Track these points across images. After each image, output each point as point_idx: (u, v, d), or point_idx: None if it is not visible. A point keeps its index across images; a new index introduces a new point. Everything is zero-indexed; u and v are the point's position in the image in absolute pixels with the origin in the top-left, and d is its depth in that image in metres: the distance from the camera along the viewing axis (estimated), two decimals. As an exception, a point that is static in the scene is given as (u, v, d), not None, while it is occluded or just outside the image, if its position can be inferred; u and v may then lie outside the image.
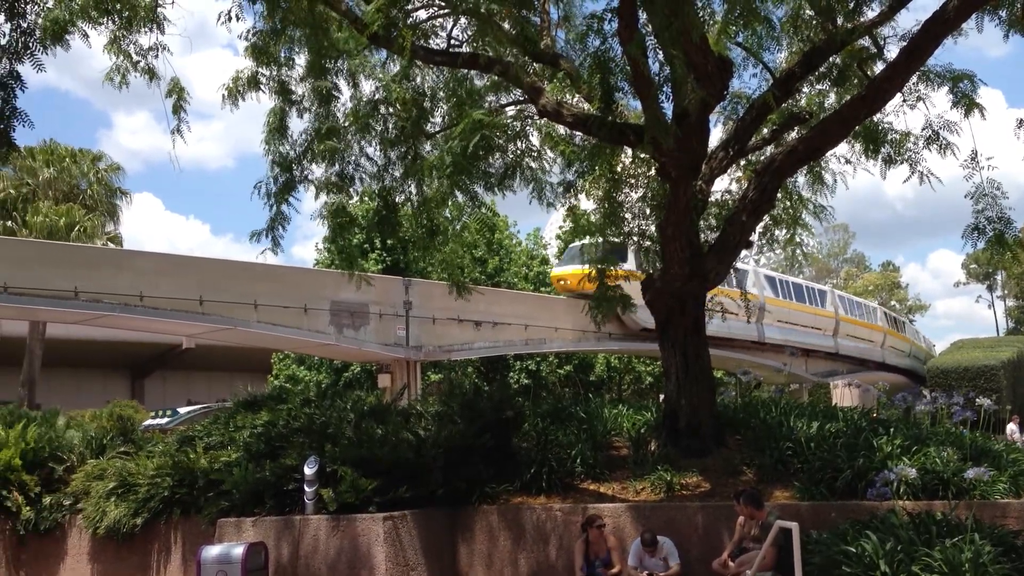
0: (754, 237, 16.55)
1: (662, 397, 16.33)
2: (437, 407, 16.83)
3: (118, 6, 11.82)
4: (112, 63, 12.72)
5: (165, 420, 33.93)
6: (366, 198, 15.71)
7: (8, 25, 11.28)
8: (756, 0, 10.06)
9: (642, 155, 14.84)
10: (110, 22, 12.24)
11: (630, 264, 20.46)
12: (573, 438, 14.90)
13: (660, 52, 12.32)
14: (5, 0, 11.15)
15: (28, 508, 17.43)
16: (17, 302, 26.03)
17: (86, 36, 11.97)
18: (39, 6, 11.60)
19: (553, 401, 17.94)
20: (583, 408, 16.79)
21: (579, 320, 35.54)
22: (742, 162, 16.77)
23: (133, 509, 15.81)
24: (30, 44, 11.36)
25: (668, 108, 13.13)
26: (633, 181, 16.17)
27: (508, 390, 28.73)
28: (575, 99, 13.74)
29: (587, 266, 16.51)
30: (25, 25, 11.33)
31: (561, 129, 14.92)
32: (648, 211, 16.05)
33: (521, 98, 14.82)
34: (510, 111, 15.18)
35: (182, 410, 36.74)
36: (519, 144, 14.24)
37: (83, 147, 51.79)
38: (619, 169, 15.54)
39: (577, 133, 14.79)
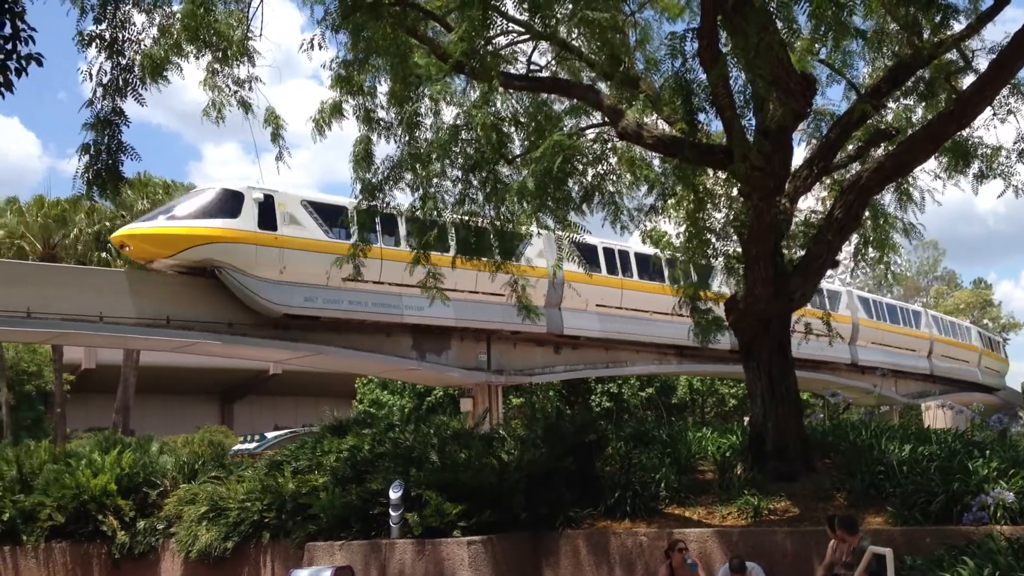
0: (840, 256, 16.24)
1: (747, 420, 16.08)
2: (520, 431, 16.86)
3: (213, 38, 12.24)
4: (209, 98, 13.27)
5: (253, 445, 34.53)
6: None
7: (109, 63, 11.80)
8: (843, 14, 9.89)
9: (725, 175, 14.72)
10: (205, 57, 12.72)
11: None
12: (657, 462, 14.74)
13: (741, 69, 12.22)
14: (105, 40, 11.63)
15: (123, 532, 17.91)
16: (111, 331, 26.80)
17: (180, 69, 12.47)
18: (138, 44, 12.10)
19: (636, 424, 17.80)
20: (666, 431, 16.62)
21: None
22: (827, 180, 16.49)
23: (224, 533, 16.12)
24: (130, 80, 11.85)
25: (751, 126, 13.02)
26: (716, 201, 16.03)
27: (590, 413, 28.64)
28: (655, 121, 13.71)
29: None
30: (124, 62, 11.82)
31: (639, 151, 14.91)
32: (731, 232, 15.89)
33: (601, 121, 14.84)
34: (590, 134, 15.22)
35: (270, 435, 37.36)
36: (599, 167, 14.27)
37: (175, 179, 53.40)
38: (702, 190, 15.43)
39: (656, 155, 14.73)
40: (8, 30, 7.42)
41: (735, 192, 15.24)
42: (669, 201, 15.59)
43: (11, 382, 44.36)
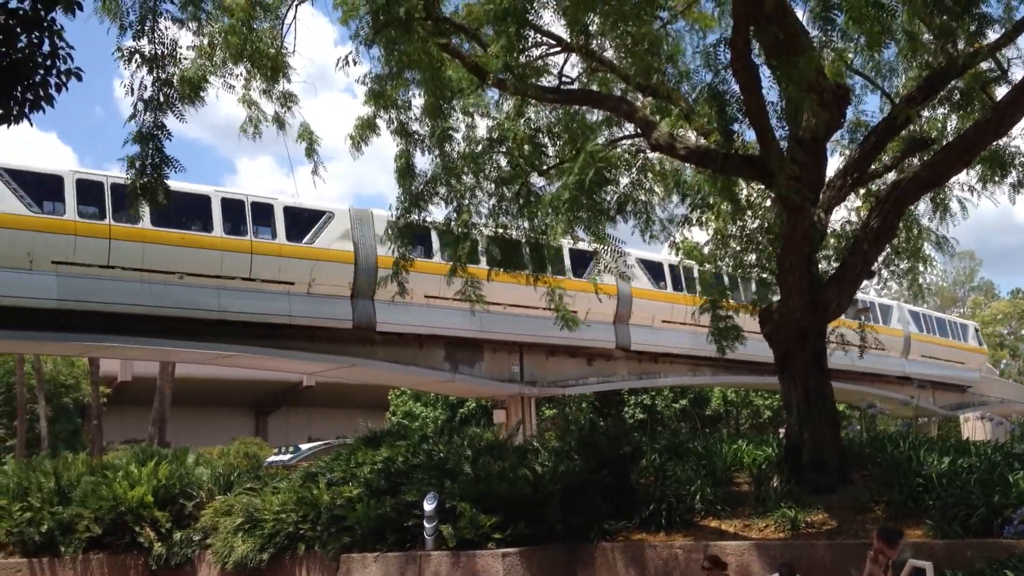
0: (875, 267, 16.11)
1: (782, 432, 15.94)
2: (554, 442, 16.82)
3: (254, 55, 12.42)
4: (246, 115, 13.47)
5: (288, 456, 34.73)
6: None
7: (150, 78, 12.01)
8: (885, 16, 9.85)
9: (759, 185, 14.67)
10: (242, 73, 12.91)
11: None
12: (692, 474, 14.65)
13: (775, 80, 12.19)
14: (145, 56, 11.84)
15: (160, 544, 18.05)
16: (146, 342, 27.10)
17: (231, 87, 12.68)
18: (177, 60, 12.30)
19: (670, 436, 17.71)
20: (701, 443, 16.52)
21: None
22: (861, 191, 16.36)
23: (260, 544, 16.20)
24: (170, 95, 12.06)
25: (784, 136, 12.97)
26: (750, 212, 15.98)
27: (624, 425, 28.54)
28: (687, 132, 13.70)
29: None
30: (165, 77, 12.02)
31: (670, 163, 14.91)
32: (765, 242, 15.82)
33: (633, 133, 14.85)
34: (623, 145, 15.23)
35: (304, 446, 37.57)
36: (631, 177, 14.28)
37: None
38: (738, 200, 15.40)
39: (688, 166, 14.72)
40: (47, 47, 7.56)
41: (768, 203, 15.18)
42: (704, 213, 15.55)
43: (49, 395, 44.93)
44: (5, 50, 7.34)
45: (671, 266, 35.90)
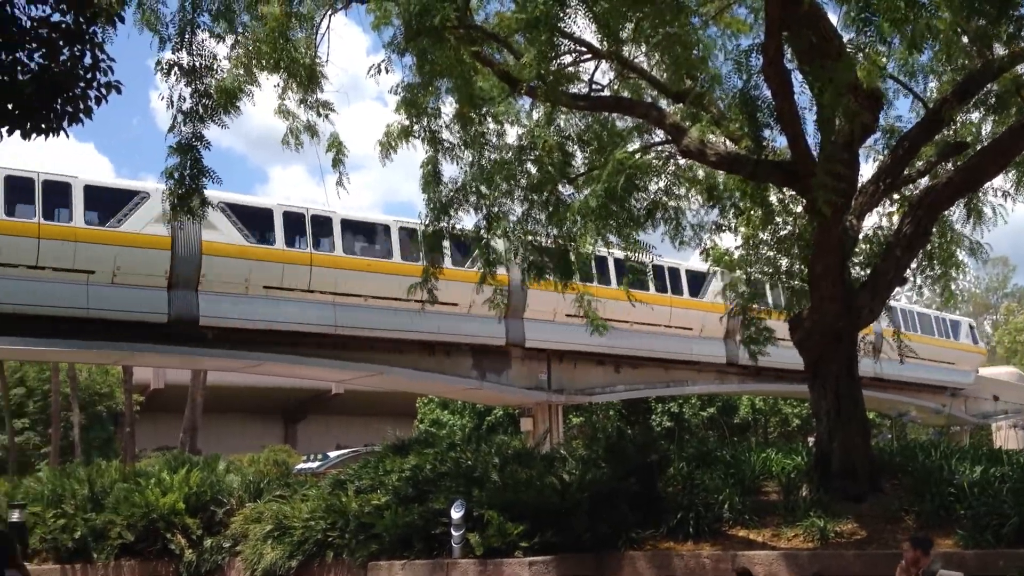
0: (908, 273, 16.01)
1: (811, 440, 15.85)
2: (581, 450, 16.81)
3: (289, 64, 12.58)
4: (286, 126, 13.68)
5: (316, 464, 34.80)
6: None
7: (188, 89, 12.20)
8: (923, 14, 9.80)
9: (790, 191, 14.63)
10: (277, 83, 13.09)
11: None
12: (720, 483, 14.60)
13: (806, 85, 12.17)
14: (183, 68, 12.03)
15: (190, 550, 18.19)
16: (179, 351, 27.35)
17: (252, 95, 12.86)
18: (214, 72, 12.50)
19: (698, 444, 17.66)
20: (729, 451, 16.46)
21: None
22: (894, 196, 16.26)
23: (289, 551, 16.28)
24: (208, 106, 12.26)
25: (816, 142, 12.94)
26: (780, 218, 15.94)
27: (651, 433, 28.48)
28: (718, 138, 13.70)
29: None
30: (203, 88, 12.20)
31: (701, 169, 14.90)
32: (796, 248, 15.79)
33: (663, 139, 14.87)
34: (653, 152, 15.26)
35: (332, 454, 37.64)
36: (661, 184, 14.31)
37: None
38: (770, 206, 15.37)
39: (720, 172, 14.72)
40: (88, 60, 7.70)
41: (799, 208, 15.13)
42: (734, 218, 15.54)
43: (83, 403, 45.39)
44: (47, 63, 7.49)
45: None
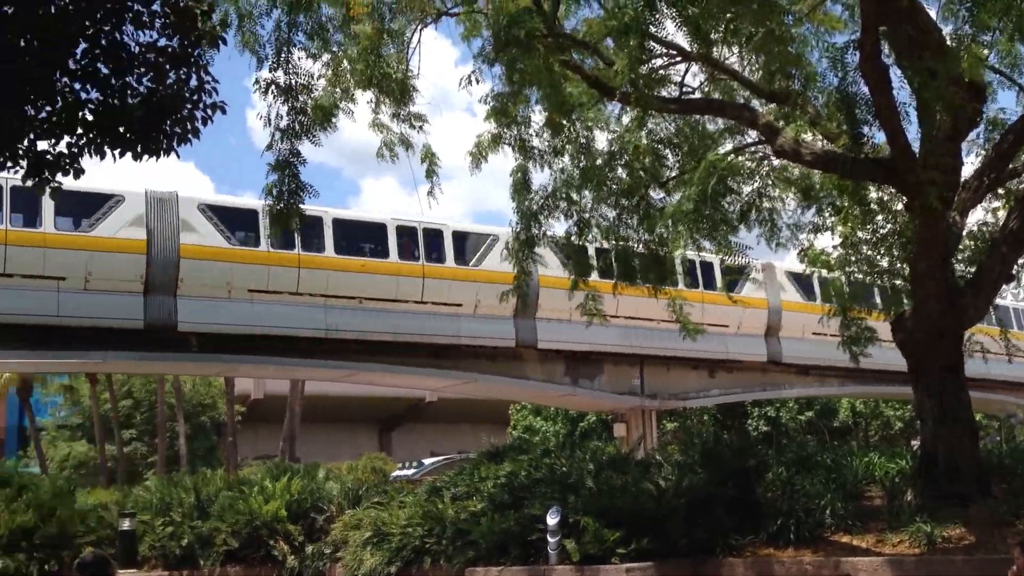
0: (1015, 270, 15.52)
1: (915, 443, 15.47)
2: (677, 456, 16.69)
3: (382, 81, 12.86)
4: (380, 140, 14.02)
5: (412, 471, 35.23)
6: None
7: (284, 107, 12.57)
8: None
9: (890, 189, 14.34)
10: (370, 99, 13.39)
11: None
12: (821, 487, 14.31)
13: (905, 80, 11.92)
14: (280, 86, 12.40)
15: (293, 556, 18.57)
16: (278, 362, 28.03)
17: (352, 113, 13.19)
18: (310, 89, 12.86)
19: (796, 448, 17.35)
20: (830, 456, 16.14)
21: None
22: (999, 191, 15.77)
23: (387, 558, 16.49)
24: (304, 123, 12.61)
25: (915, 138, 12.68)
26: (881, 216, 15.62)
27: (748, 438, 28.06)
28: (812, 137, 13.50)
29: None
30: (299, 105, 12.56)
31: (796, 170, 14.71)
32: (898, 247, 15.45)
33: (756, 140, 14.72)
34: (745, 153, 15.12)
35: (427, 461, 38.07)
36: (755, 185, 14.17)
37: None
38: (869, 204, 15.09)
39: (816, 172, 14.51)
40: (194, 82, 8.02)
41: (900, 206, 14.81)
42: (831, 218, 15.29)
43: (188, 414, 46.79)
44: (155, 86, 7.81)
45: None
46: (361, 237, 28.59)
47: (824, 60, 12.37)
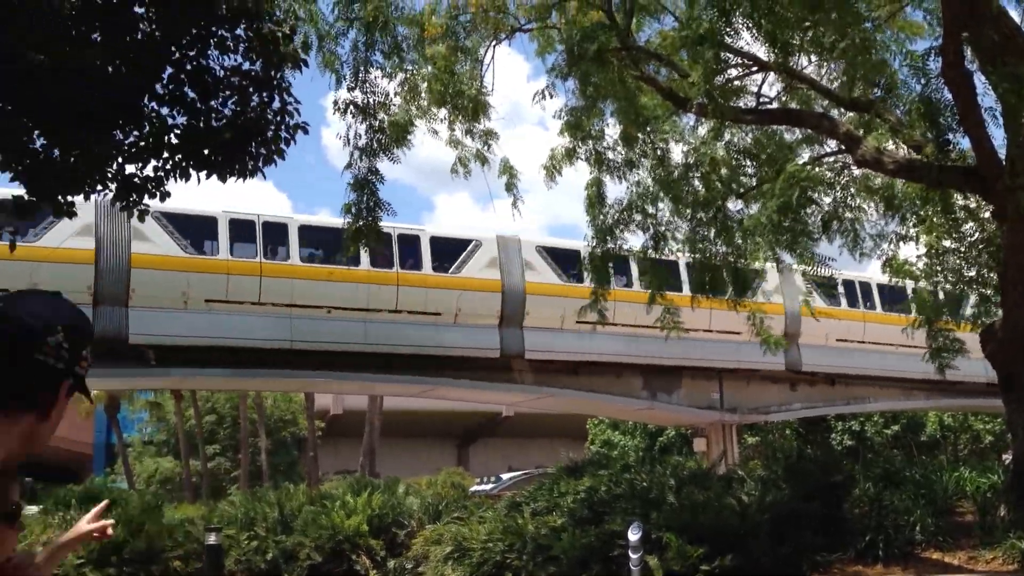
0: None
1: (1006, 457, 15.00)
2: (760, 471, 16.43)
3: (456, 100, 12.99)
4: (455, 155, 14.15)
5: (490, 486, 35.30)
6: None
7: (363, 126, 12.80)
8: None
9: (977, 196, 13.98)
10: (445, 116, 13.54)
11: None
12: (910, 503, 13.97)
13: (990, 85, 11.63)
14: (358, 106, 12.62)
15: (375, 571, 18.68)
16: (357, 377, 28.33)
17: (434, 132, 13.34)
18: (386, 108, 13.07)
19: (883, 463, 16.95)
20: (918, 470, 15.74)
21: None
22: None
23: (468, 572, 16.49)
24: (382, 141, 12.81)
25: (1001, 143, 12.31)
26: (967, 226, 15.23)
27: (832, 452, 27.51)
28: (894, 146, 13.23)
29: None
30: (377, 124, 12.77)
31: (879, 179, 14.42)
32: (986, 256, 15.03)
33: (836, 149, 14.49)
34: (824, 163, 14.89)
35: (504, 476, 38.10)
36: (835, 195, 13.93)
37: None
38: (956, 212, 14.73)
39: (897, 181, 14.21)
40: (277, 104, 8.19)
41: (987, 214, 14.41)
42: (915, 228, 14.94)
43: (269, 429, 47.60)
44: (240, 109, 8.00)
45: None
46: (329, 244, 26.99)
47: (905, 67, 12.14)
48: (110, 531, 3.11)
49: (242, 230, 26.20)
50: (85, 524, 3.12)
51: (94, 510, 3.17)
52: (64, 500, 21.12)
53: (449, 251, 28.71)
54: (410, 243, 27.99)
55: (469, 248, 28.71)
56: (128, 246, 24.50)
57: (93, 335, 2.21)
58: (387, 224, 27.42)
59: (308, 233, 27.22)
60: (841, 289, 34.46)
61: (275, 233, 26.33)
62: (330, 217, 23.36)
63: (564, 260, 29.45)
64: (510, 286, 28.70)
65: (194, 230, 25.87)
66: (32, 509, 22.12)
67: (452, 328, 28.02)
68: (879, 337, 34.98)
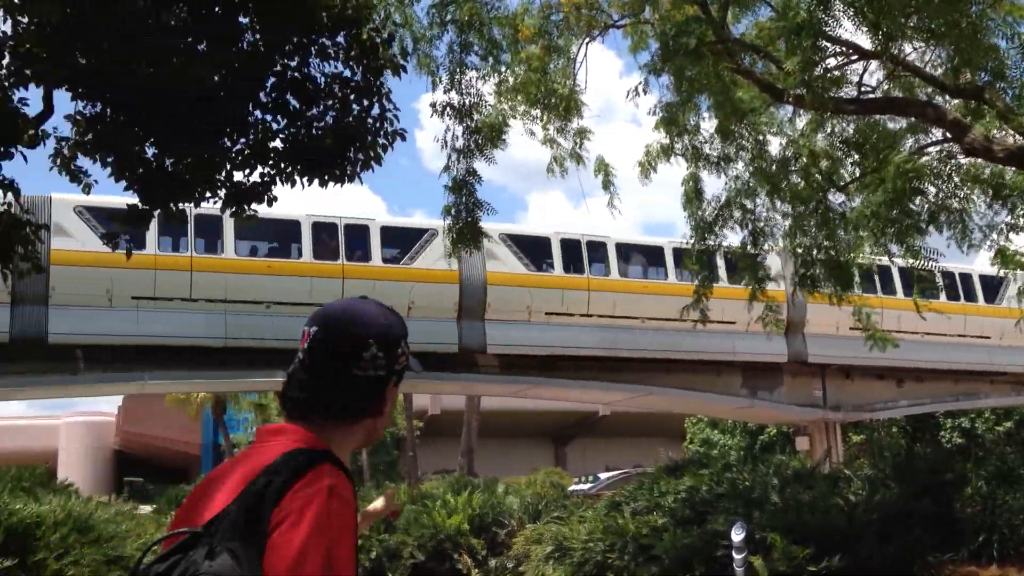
0: None
1: None
2: (866, 470, 16.05)
3: (549, 99, 13.03)
4: (551, 155, 14.16)
5: (588, 486, 35.26)
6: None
7: (460, 128, 12.95)
8: None
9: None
10: (538, 117, 13.58)
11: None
12: (1026, 502, 13.51)
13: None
14: (455, 108, 12.76)
15: (476, 570, 18.86)
16: (455, 378, 28.57)
17: (531, 133, 13.41)
18: (481, 108, 13.19)
19: (996, 461, 16.39)
20: (1036, 469, 15.18)
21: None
22: None
23: (570, 572, 16.50)
24: (479, 142, 12.93)
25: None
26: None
27: (942, 450, 26.69)
28: (1004, 133, 12.78)
29: None
30: (473, 125, 12.90)
31: (988, 167, 13.93)
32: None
33: (941, 138, 14.06)
34: (931, 152, 14.47)
35: (602, 475, 38.00)
36: (941, 185, 13.52)
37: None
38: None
39: (1008, 169, 13.72)
40: (376, 110, 8.34)
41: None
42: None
43: (369, 429, 48.34)
44: (340, 116, 8.17)
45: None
46: (270, 236, 26.14)
47: (1013, 51, 11.72)
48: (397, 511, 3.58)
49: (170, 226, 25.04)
50: (380, 503, 3.59)
51: (387, 492, 3.65)
52: (176, 499, 21.79)
53: (402, 241, 27.42)
54: (359, 234, 26.67)
55: (424, 238, 27.18)
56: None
57: (405, 333, 2.42)
58: (334, 215, 27.25)
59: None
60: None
61: (208, 226, 24.59)
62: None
63: (531, 248, 28.27)
64: (469, 276, 27.12)
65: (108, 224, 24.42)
66: (146, 509, 22.90)
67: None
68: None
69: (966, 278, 34.50)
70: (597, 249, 28.78)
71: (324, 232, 25.97)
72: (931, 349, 33.09)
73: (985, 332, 34.00)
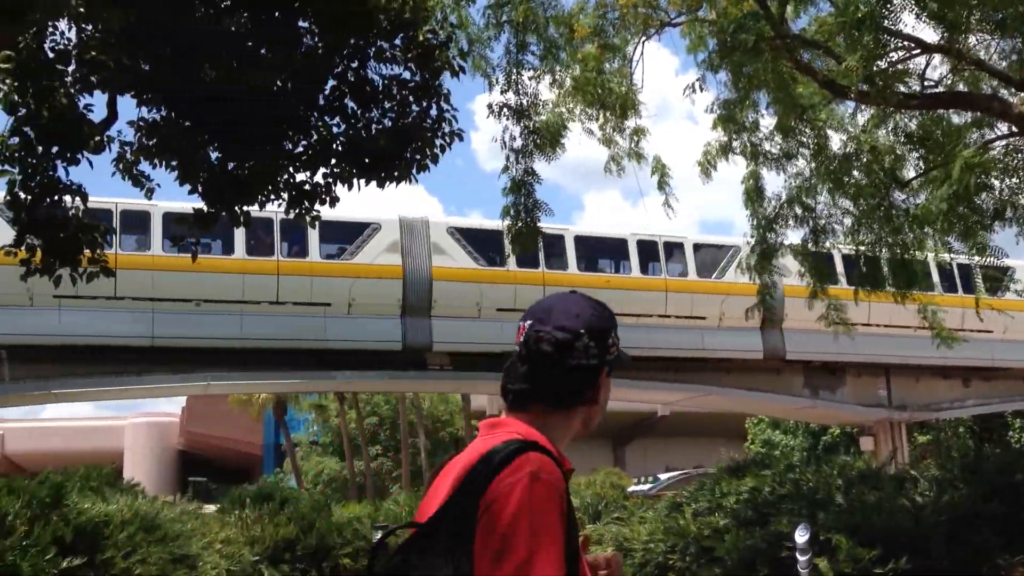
0: None
1: None
2: (933, 471, 15.75)
3: (607, 98, 13.01)
4: (608, 154, 14.15)
5: (648, 486, 35.10)
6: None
7: (517, 128, 12.97)
8: None
9: None
10: (594, 116, 13.56)
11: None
12: (1103, 505, 13.13)
13: None
14: (512, 108, 12.79)
15: (536, 570, 18.87)
16: (476, 378, 28.42)
17: (589, 132, 13.40)
18: (538, 109, 13.21)
19: (1070, 463, 15.98)
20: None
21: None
22: None
23: (631, 573, 16.44)
24: (537, 143, 12.96)
25: None
26: None
27: (1011, 450, 26.10)
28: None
29: None
30: (531, 126, 12.93)
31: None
32: None
33: (1008, 132, 13.75)
34: (997, 146, 14.16)
35: (662, 476, 37.80)
36: (1008, 180, 13.22)
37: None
38: None
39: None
40: (434, 112, 8.39)
41: None
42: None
43: (428, 430, 48.67)
44: (399, 118, 8.23)
45: None
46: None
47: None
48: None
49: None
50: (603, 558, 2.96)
51: (614, 558, 2.91)
52: (239, 499, 22.09)
53: (343, 236, 26.56)
54: (296, 228, 24.89)
55: (366, 232, 26.53)
56: None
57: (615, 324, 2.60)
58: (270, 210, 26.01)
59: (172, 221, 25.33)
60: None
61: (135, 221, 24.19)
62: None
63: (482, 243, 27.38)
64: (413, 271, 26.44)
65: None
66: (209, 508, 23.26)
67: (343, 320, 25.84)
68: None
69: None
70: (554, 244, 27.08)
71: (261, 228, 24.94)
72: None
73: None
